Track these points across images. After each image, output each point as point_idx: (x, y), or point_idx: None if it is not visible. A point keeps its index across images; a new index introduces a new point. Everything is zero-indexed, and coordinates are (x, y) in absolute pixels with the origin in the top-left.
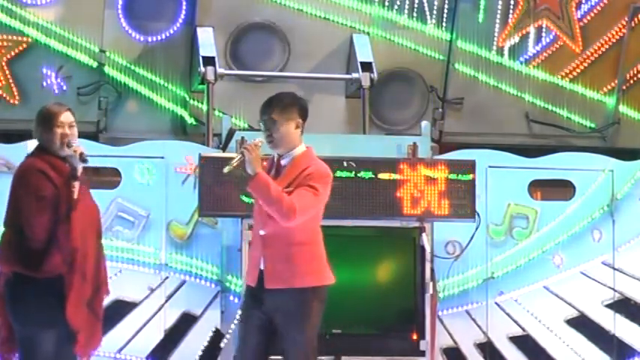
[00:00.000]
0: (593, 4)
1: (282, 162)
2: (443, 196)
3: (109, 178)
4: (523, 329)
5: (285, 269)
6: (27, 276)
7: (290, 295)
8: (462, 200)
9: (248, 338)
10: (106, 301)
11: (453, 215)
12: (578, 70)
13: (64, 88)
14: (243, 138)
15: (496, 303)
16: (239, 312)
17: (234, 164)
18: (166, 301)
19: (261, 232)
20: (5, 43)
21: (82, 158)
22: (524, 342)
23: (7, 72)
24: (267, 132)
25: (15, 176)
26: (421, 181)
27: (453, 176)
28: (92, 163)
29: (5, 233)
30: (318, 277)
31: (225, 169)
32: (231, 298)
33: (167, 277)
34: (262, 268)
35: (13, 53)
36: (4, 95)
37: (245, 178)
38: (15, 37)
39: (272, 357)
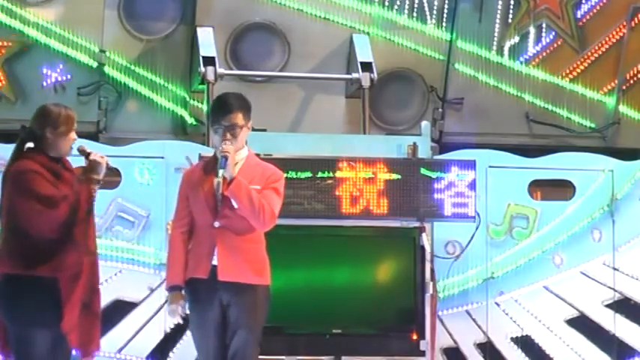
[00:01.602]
0: (593, 4)
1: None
2: (442, 196)
3: (108, 178)
4: (523, 329)
5: (240, 264)
6: (22, 276)
7: (245, 291)
8: (462, 200)
9: (209, 344)
10: (106, 301)
11: (453, 215)
12: (578, 70)
13: (65, 88)
14: None
15: (496, 303)
16: (187, 308)
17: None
18: (166, 301)
19: (216, 225)
20: (5, 43)
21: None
22: (524, 342)
23: (7, 72)
24: (230, 136)
25: (9, 178)
26: (421, 181)
27: (453, 176)
28: None
29: (6, 236)
30: (267, 277)
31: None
32: None
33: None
34: (215, 260)
35: (12, 53)
36: (4, 95)
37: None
38: (15, 37)
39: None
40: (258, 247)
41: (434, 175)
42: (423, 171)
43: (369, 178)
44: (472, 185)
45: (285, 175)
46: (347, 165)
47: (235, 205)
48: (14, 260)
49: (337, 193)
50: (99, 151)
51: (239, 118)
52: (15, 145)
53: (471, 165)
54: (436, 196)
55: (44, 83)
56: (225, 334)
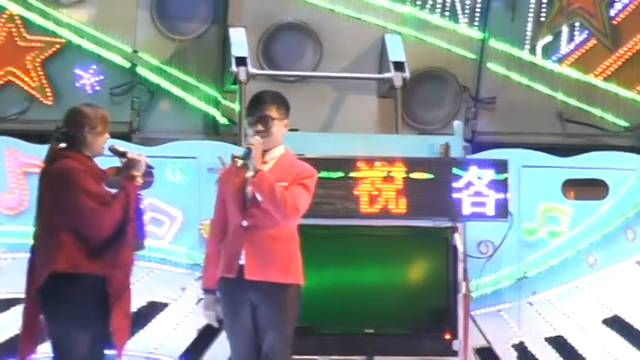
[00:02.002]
0: (626, 2)
1: (266, 160)
2: (475, 195)
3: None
4: (556, 329)
5: (267, 262)
6: (71, 275)
7: (273, 290)
8: (495, 200)
9: (240, 344)
10: (140, 301)
11: (486, 215)
12: (612, 69)
13: (98, 88)
14: None
15: (529, 303)
16: (220, 308)
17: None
18: (199, 301)
19: (244, 224)
20: (39, 44)
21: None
22: (557, 342)
23: (41, 73)
24: (262, 127)
25: (53, 177)
26: (453, 180)
27: (485, 176)
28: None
29: (54, 235)
30: (297, 276)
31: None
32: None
33: (200, 277)
34: (243, 259)
35: (46, 54)
36: (38, 96)
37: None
38: (48, 38)
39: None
40: (289, 245)
41: (466, 174)
42: (455, 170)
43: (401, 178)
44: (505, 185)
45: (317, 175)
46: (380, 164)
47: (259, 199)
48: (65, 258)
49: (369, 192)
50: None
51: (272, 110)
52: (49, 146)
53: (503, 165)
54: (469, 195)
55: (77, 84)
56: (257, 335)
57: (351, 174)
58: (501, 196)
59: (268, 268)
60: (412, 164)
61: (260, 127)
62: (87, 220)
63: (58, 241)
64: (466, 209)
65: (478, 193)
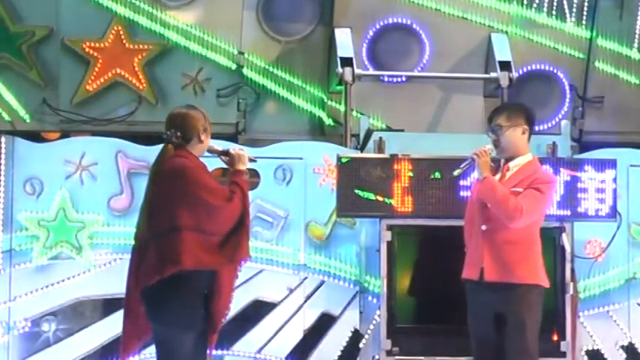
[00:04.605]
0: None
1: (509, 167)
2: (583, 195)
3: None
4: None
5: (505, 264)
6: (186, 275)
7: (513, 291)
8: (603, 199)
9: (482, 343)
10: (246, 301)
11: (594, 215)
12: None
13: (204, 90)
14: (381, 138)
15: (638, 304)
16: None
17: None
18: (305, 301)
19: (483, 228)
20: (146, 47)
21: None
22: None
23: (148, 75)
24: (494, 137)
25: (169, 175)
26: (561, 180)
27: (593, 175)
28: None
29: (176, 234)
30: (536, 277)
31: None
32: (370, 298)
33: (306, 278)
34: (483, 262)
35: (153, 56)
36: (145, 97)
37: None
38: (155, 41)
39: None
40: (527, 248)
41: (574, 174)
42: (562, 170)
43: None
44: (613, 184)
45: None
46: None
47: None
48: (191, 257)
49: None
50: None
51: (501, 118)
52: (162, 148)
53: (611, 164)
54: (576, 195)
55: (184, 86)
56: (499, 335)
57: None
58: (610, 195)
59: (507, 270)
60: None
61: (492, 137)
62: (212, 217)
63: (181, 241)
64: (574, 209)
65: (586, 193)
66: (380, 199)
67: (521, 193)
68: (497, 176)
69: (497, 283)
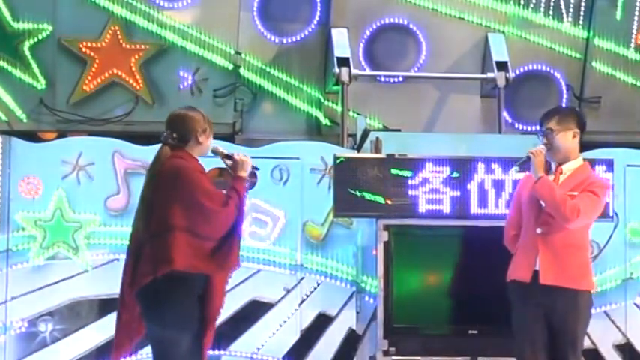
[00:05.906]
0: None
1: (562, 171)
2: None
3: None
4: None
5: (560, 268)
6: (180, 275)
7: (566, 295)
8: None
9: (536, 338)
10: (243, 301)
11: None
12: None
13: (201, 90)
14: (377, 138)
15: (635, 304)
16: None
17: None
18: (302, 301)
19: (538, 231)
20: (143, 47)
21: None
22: None
23: (144, 75)
24: (545, 141)
25: (167, 177)
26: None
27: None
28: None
29: (170, 235)
30: (589, 282)
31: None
32: (367, 298)
33: (303, 278)
34: (537, 265)
35: (150, 56)
36: (142, 97)
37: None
38: (152, 41)
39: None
40: (580, 252)
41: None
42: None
43: (503, 179)
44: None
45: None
46: (480, 164)
47: (542, 204)
48: (184, 258)
49: (472, 192)
50: (235, 151)
51: (552, 122)
52: (159, 150)
53: (608, 164)
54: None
55: (181, 86)
56: (548, 338)
57: (454, 174)
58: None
59: (562, 273)
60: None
61: (544, 140)
62: (207, 220)
63: (174, 241)
64: None
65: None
66: (377, 199)
67: (576, 196)
68: (550, 178)
69: (552, 286)
